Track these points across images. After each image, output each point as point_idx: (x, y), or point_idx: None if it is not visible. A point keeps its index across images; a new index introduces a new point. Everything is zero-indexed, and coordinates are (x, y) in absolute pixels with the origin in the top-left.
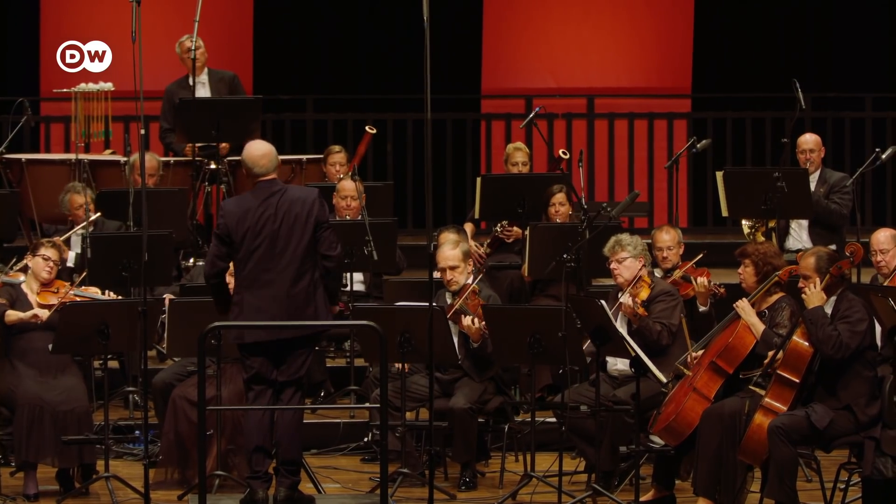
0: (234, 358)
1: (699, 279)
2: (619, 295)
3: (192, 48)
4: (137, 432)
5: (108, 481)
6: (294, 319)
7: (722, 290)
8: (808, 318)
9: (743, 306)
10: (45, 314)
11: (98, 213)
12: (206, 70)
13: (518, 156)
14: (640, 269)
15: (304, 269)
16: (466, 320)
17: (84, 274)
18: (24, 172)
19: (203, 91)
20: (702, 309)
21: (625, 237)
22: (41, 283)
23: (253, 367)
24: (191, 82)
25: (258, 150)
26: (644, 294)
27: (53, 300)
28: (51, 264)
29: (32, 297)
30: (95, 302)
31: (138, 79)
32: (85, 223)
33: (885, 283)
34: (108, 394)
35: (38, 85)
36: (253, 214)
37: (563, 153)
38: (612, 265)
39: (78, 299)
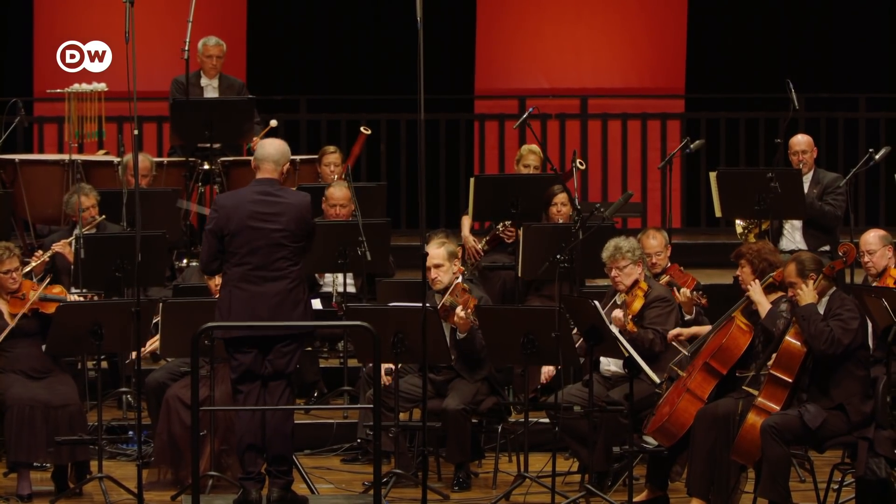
0: (226, 358)
1: (682, 289)
2: (617, 298)
3: (213, 54)
4: (131, 433)
5: (101, 482)
6: (278, 319)
7: (704, 301)
8: (801, 314)
9: (755, 287)
10: None
11: (102, 216)
12: (218, 75)
13: (531, 158)
14: (639, 273)
15: (291, 270)
16: (457, 310)
17: (49, 278)
18: (18, 173)
19: (212, 94)
20: (687, 317)
21: (623, 243)
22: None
23: (241, 365)
24: (202, 83)
25: (268, 147)
26: (637, 305)
27: (22, 308)
28: (13, 275)
29: (3, 305)
30: (89, 302)
31: (132, 79)
32: (90, 225)
33: (874, 284)
34: (102, 394)
35: (32, 85)
36: (244, 210)
37: (581, 163)
38: (613, 273)
39: (45, 303)
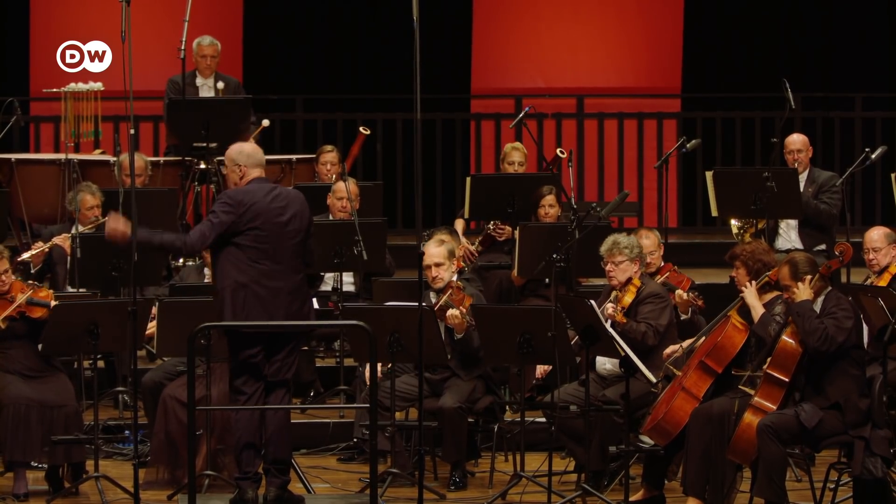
0: (224, 358)
1: (678, 291)
2: (612, 295)
3: (208, 53)
4: (127, 432)
5: (97, 481)
6: (293, 313)
7: (700, 302)
8: (795, 310)
9: (750, 291)
10: None
11: (105, 218)
12: (213, 74)
13: (515, 155)
14: (634, 272)
15: (301, 265)
16: (451, 312)
17: (47, 280)
18: (14, 172)
19: (208, 93)
20: (683, 317)
21: (622, 239)
22: None
23: (246, 364)
24: (197, 82)
25: (247, 149)
26: (628, 299)
27: (7, 310)
28: (2, 278)
29: None
30: (85, 302)
31: (128, 78)
32: (91, 225)
33: (874, 281)
34: (98, 393)
35: (28, 85)
36: (262, 206)
37: (561, 152)
38: (608, 267)
39: (31, 307)
